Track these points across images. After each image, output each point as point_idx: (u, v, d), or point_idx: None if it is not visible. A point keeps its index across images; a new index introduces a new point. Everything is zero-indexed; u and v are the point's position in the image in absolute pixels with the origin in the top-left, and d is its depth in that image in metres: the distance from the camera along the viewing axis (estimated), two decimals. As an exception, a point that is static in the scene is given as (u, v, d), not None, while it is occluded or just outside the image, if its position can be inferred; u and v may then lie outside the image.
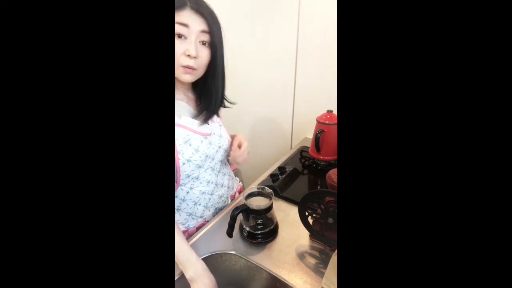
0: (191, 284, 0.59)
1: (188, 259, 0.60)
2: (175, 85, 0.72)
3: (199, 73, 0.68)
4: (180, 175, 0.70)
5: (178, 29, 0.62)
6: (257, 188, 0.72)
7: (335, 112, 1.00)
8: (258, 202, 0.69)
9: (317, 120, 0.99)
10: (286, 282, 0.59)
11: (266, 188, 0.71)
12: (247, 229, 0.69)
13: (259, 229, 0.68)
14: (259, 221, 0.68)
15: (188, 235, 0.78)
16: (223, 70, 0.74)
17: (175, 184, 0.71)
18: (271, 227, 0.70)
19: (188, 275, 0.59)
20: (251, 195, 0.72)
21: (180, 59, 0.63)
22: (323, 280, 0.55)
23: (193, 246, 0.68)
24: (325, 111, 1.00)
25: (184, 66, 0.64)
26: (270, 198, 0.69)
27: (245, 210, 0.66)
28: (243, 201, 0.68)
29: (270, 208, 0.68)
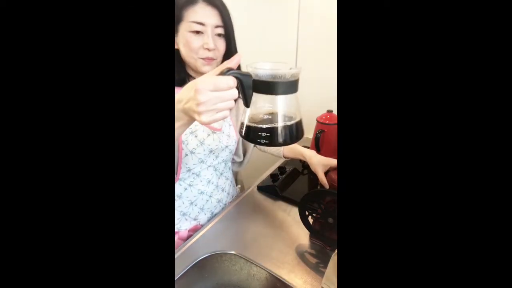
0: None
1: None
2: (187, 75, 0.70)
3: (218, 62, 0.68)
4: (180, 168, 0.69)
5: (194, 27, 0.61)
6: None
7: (335, 112, 1.00)
8: None
9: (317, 120, 0.99)
10: (286, 282, 0.59)
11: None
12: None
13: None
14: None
15: (179, 238, 0.76)
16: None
17: (175, 176, 0.70)
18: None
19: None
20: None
21: (199, 53, 0.64)
22: (323, 280, 0.55)
23: (192, 246, 0.68)
24: (325, 111, 1.00)
25: (203, 58, 0.64)
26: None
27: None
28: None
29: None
